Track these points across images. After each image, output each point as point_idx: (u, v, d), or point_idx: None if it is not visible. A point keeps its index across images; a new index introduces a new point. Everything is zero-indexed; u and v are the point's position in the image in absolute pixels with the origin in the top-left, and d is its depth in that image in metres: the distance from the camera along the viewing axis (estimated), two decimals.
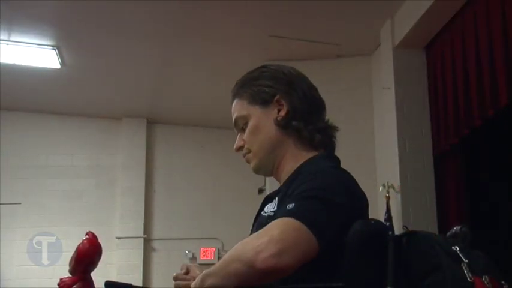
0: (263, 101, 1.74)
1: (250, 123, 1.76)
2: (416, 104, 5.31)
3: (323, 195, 1.47)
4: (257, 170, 1.80)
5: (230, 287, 1.39)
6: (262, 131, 1.74)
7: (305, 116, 1.72)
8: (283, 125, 1.72)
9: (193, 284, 1.51)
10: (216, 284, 1.41)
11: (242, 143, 1.79)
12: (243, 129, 1.79)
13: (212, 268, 1.46)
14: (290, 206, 1.44)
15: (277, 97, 1.73)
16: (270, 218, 1.56)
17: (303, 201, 1.46)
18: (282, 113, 1.72)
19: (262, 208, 1.70)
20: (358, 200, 1.57)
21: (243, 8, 5.38)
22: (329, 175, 1.57)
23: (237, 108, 1.79)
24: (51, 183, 7.84)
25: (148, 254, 7.90)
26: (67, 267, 1.53)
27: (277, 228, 1.37)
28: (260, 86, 1.76)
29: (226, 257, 1.43)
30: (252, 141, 1.76)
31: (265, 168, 1.79)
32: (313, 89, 1.80)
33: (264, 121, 1.74)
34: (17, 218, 7.58)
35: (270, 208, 1.63)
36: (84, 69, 6.73)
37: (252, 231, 1.65)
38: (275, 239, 1.34)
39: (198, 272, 1.80)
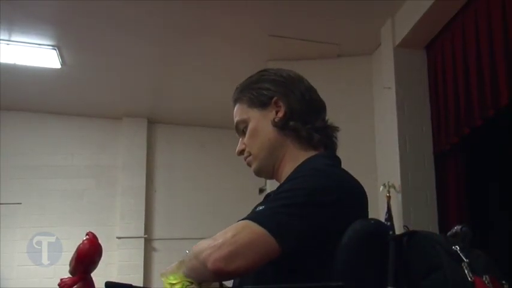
0: (261, 103, 1.76)
1: (250, 126, 1.77)
2: (417, 103, 5.31)
3: (300, 196, 1.47)
4: (258, 173, 1.81)
5: (194, 279, 1.44)
6: (261, 133, 1.75)
7: (303, 116, 1.73)
8: (281, 125, 1.73)
9: (170, 266, 1.54)
10: (186, 274, 1.46)
11: (243, 146, 1.80)
12: (243, 133, 1.81)
13: (185, 258, 1.50)
14: (260, 207, 1.47)
15: (275, 99, 1.74)
16: None
17: (274, 203, 1.47)
18: (280, 114, 1.73)
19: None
20: (353, 197, 1.57)
21: (243, 7, 5.38)
22: (319, 173, 1.57)
23: (238, 112, 1.82)
24: (52, 183, 7.84)
25: (149, 254, 7.90)
26: (67, 267, 1.52)
27: (233, 230, 1.40)
28: (259, 89, 1.78)
29: (191, 252, 1.47)
30: (252, 143, 1.77)
31: (266, 170, 1.79)
32: (312, 90, 1.81)
33: (262, 123, 1.75)
34: (17, 218, 7.58)
35: None
36: (84, 69, 6.72)
37: None
38: (228, 242, 1.37)
39: None
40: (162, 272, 1.53)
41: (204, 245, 1.42)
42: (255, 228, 1.40)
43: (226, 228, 1.44)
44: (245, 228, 1.40)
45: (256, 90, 1.78)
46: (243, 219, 1.46)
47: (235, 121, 1.82)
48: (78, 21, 5.68)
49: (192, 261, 1.44)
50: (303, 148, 1.73)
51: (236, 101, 1.83)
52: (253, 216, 1.44)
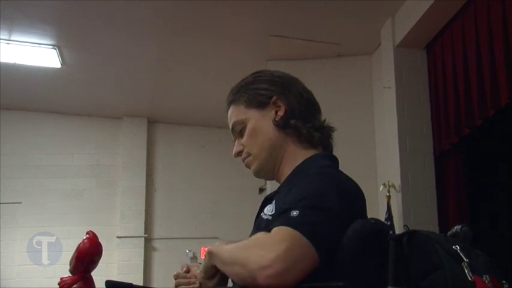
0: (260, 103, 1.74)
1: (249, 127, 1.75)
2: (417, 103, 5.31)
3: (321, 204, 1.45)
4: (258, 173, 1.79)
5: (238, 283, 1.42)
6: (261, 133, 1.73)
7: (303, 115, 1.72)
8: (282, 124, 1.71)
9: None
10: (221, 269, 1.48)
11: (241, 147, 1.78)
12: (240, 135, 1.78)
13: (221, 252, 1.50)
14: (294, 213, 1.41)
15: (274, 98, 1.73)
16: (268, 222, 1.55)
17: (305, 211, 1.42)
18: (280, 113, 1.72)
19: (261, 209, 1.68)
20: (353, 200, 1.55)
21: (243, 7, 5.38)
22: (323, 177, 1.56)
23: (234, 113, 1.79)
24: (52, 183, 7.85)
25: (149, 254, 7.90)
26: (67, 267, 1.53)
27: (283, 242, 1.34)
28: (256, 89, 1.75)
29: (233, 252, 1.45)
30: (252, 144, 1.75)
31: (266, 170, 1.78)
32: (308, 91, 1.80)
33: (262, 123, 1.73)
34: (17, 217, 7.59)
35: (269, 210, 1.60)
36: (84, 69, 6.73)
37: (252, 233, 1.64)
38: (281, 256, 1.30)
39: (198, 271, 1.80)
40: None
41: (250, 255, 1.36)
42: (303, 241, 1.35)
43: (272, 234, 1.38)
44: (295, 241, 1.34)
45: (253, 91, 1.75)
46: (284, 226, 1.38)
47: (231, 123, 1.80)
48: (78, 21, 5.68)
49: (235, 267, 1.41)
50: (302, 147, 1.72)
51: (231, 102, 1.80)
52: (296, 224, 1.38)
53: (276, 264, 1.30)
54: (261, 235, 1.41)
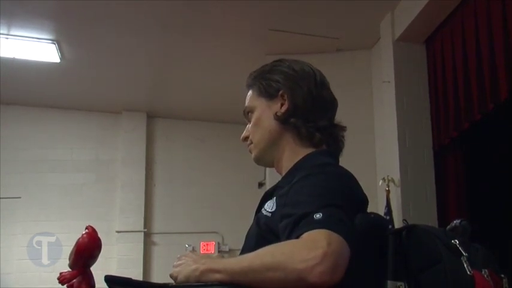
0: (269, 94, 1.77)
1: (255, 115, 1.79)
2: (416, 97, 5.31)
3: (336, 202, 1.43)
4: (257, 161, 1.83)
5: None
6: (263, 123, 1.77)
7: (306, 114, 1.72)
8: (282, 120, 1.73)
9: (183, 275, 1.48)
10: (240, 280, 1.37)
11: (248, 133, 1.82)
12: (250, 120, 1.83)
13: (233, 264, 1.41)
14: (318, 216, 1.37)
15: (281, 92, 1.75)
16: (268, 219, 1.55)
17: (326, 211, 1.38)
18: (283, 108, 1.73)
19: (262, 204, 1.68)
20: (356, 198, 1.55)
21: (243, 1, 5.37)
22: (330, 175, 1.55)
23: (248, 98, 1.84)
24: (51, 178, 7.85)
25: (148, 248, 7.91)
26: (67, 261, 1.53)
27: (324, 240, 1.30)
28: (269, 79, 1.78)
29: (262, 259, 1.36)
30: (254, 132, 1.79)
31: (265, 159, 1.81)
32: (323, 87, 1.80)
33: (266, 114, 1.76)
34: (16, 212, 7.58)
35: (269, 207, 1.59)
36: (83, 63, 6.72)
37: (252, 227, 1.65)
38: (329, 252, 1.27)
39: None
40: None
41: (289, 256, 1.31)
42: (339, 238, 1.32)
43: (308, 236, 1.33)
44: (333, 238, 1.31)
45: (266, 80, 1.78)
46: (316, 229, 1.34)
47: (244, 107, 1.85)
48: (78, 16, 5.67)
49: (267, 274, 1.33)
50: (303, 145, 1.72)
51: (249, 87, 1.85)
52: (327, 225, 1.34)
53: (327, 260, 1.27)
54: (291, 240, 1.36)
